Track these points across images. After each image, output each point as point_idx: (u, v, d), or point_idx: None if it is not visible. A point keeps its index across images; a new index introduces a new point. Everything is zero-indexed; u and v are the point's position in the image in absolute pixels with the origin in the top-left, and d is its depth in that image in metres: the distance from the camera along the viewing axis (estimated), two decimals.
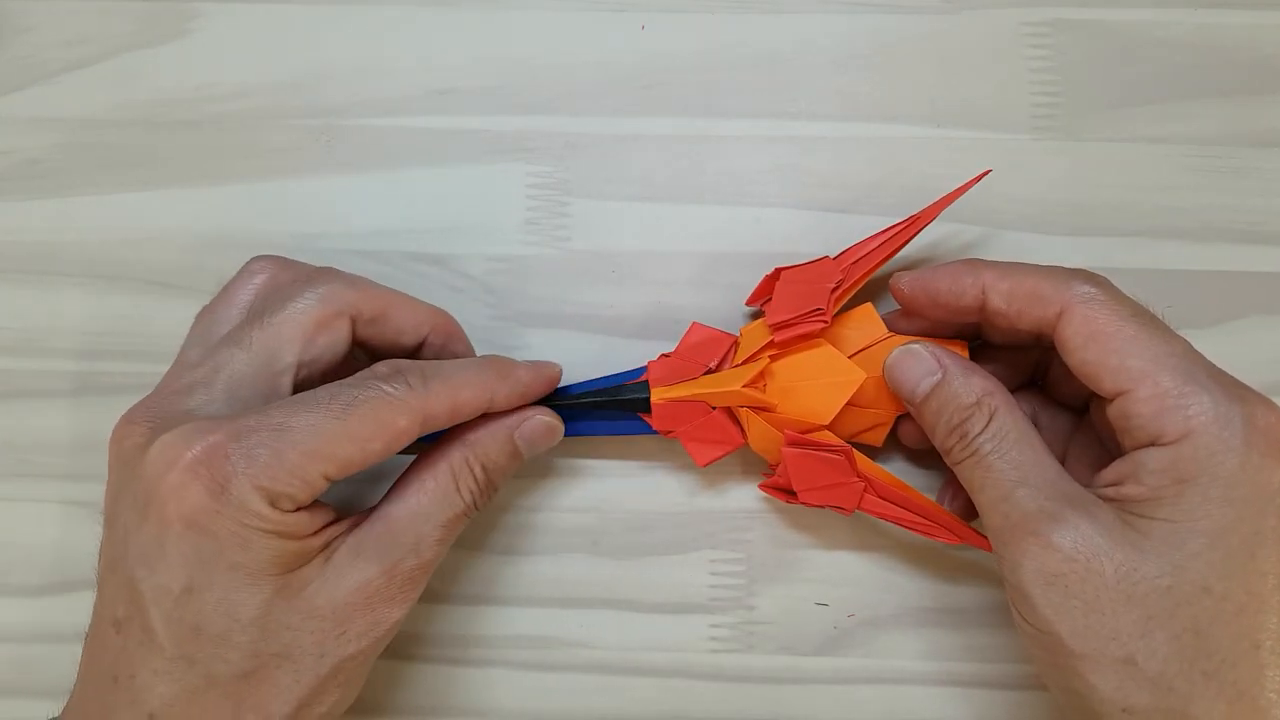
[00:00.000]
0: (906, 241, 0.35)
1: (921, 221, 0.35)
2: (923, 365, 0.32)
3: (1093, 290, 0.30)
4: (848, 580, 0.37)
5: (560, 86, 0.40)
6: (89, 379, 0.39)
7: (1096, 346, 0.30)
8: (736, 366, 0.35)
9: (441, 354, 0.36)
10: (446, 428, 0.32)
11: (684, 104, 0.40)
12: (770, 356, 0.34)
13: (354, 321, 0.33)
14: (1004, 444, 0.30)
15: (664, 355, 0.36)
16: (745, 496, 0.37)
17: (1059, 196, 0.39)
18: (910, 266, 0.38)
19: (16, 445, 0.38)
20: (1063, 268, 0.32)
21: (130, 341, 0.39)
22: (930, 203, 0.35)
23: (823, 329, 0.33)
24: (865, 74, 0.40)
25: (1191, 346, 0.30)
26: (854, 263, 0.35)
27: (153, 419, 0.30)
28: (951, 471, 0.32)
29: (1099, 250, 0.38)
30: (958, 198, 0.35)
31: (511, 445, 0.34)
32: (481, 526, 0.37)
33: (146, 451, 0.28)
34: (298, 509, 0.29)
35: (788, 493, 0.35)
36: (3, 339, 0.39)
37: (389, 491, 0.32)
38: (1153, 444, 0.29)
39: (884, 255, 0.35)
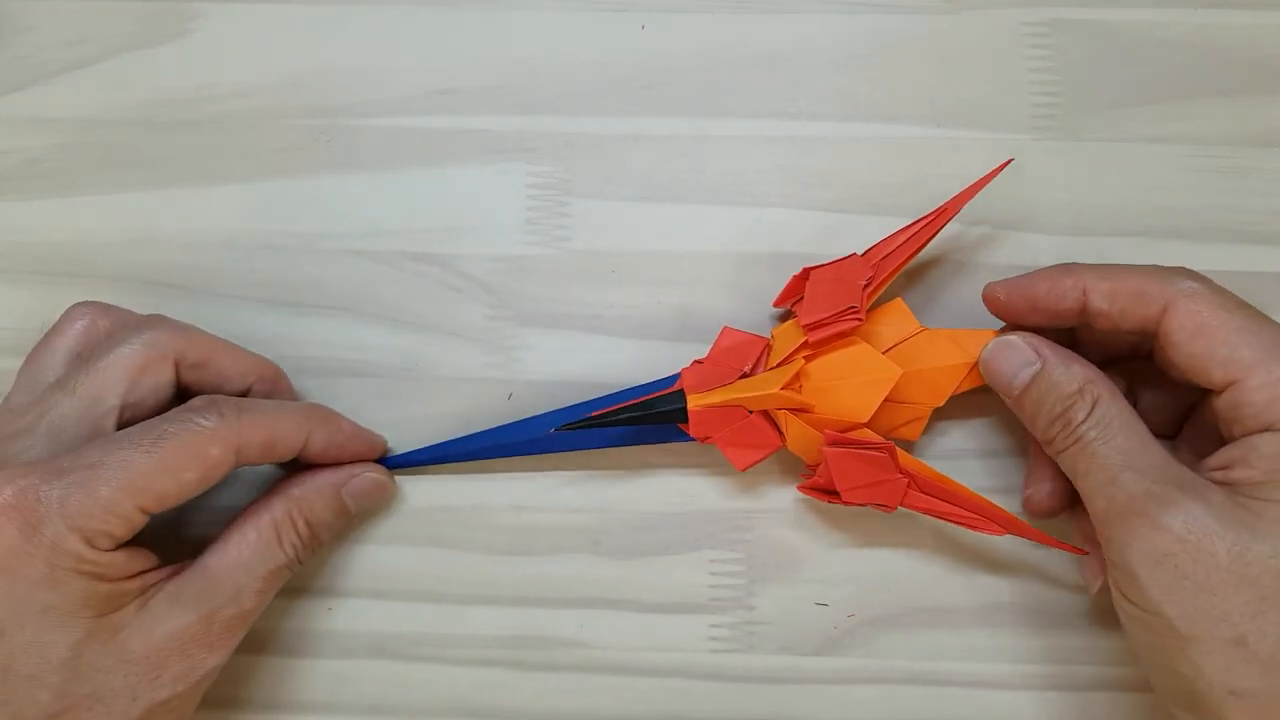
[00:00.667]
0: (933, 235, 0.35)
1: (948, 214, 0.35)
2: (1020, 355, 0.32)
3: (1195, 285, 0.30)
4: (848, 580, 0.37)
5: (560, 86, 0.40)
6: None
7: (1204, 339, 0.30)
8: (772, 369, 0.34)
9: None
10: (263, 463, 0.33)
11: (684, 104, 0.40)
12: (805, 357, 0.34)
13: (178, 366, 0.33)
14: (1109, 430, 0.30)
15: (696, 362, 0.36)
16: (745, 496, 0.37)
17: (1059, 196, 0.39)
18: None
19: None
20: (1163, 266, 0.32)
21: None
22: (952, 195, 0.35)
23: (857, 326, 0.33)
24: (865, 74, 0.40)
25: None
26: (883, 259, 0.35)
27: None
28: (1035, 460, 0.34)
29: (1099, 250, 0.38)
30: (982, 189, 0.35)
31: (338, 501, 0.35)
32: (481, 527, 0.37)
33: None
34: (116, 547, 0.29)
35: (829, 493, 0.34)
36: (3, 339, 0.39)
37: (212, 542, 0.32)
38: (1267, 429, 0.29)
39: (912, 250, 0.35)
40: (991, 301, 0.34)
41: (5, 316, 0.39)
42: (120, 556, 0.29)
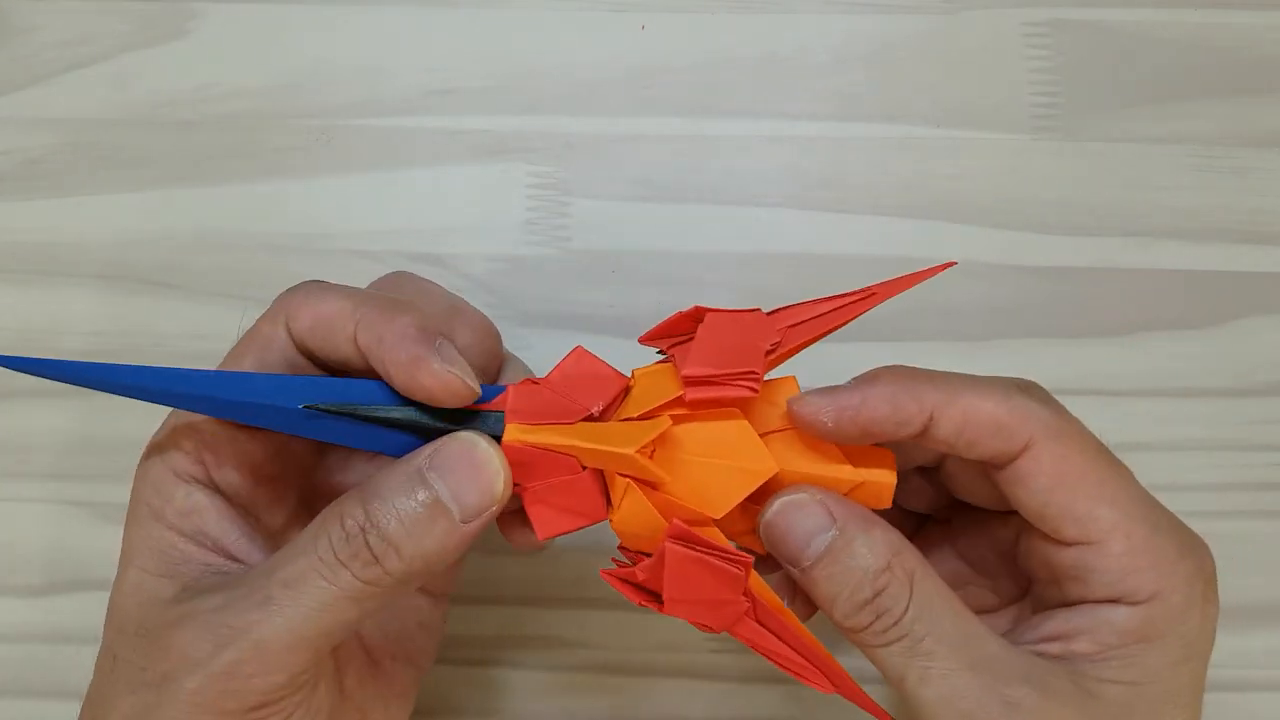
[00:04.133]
0: (857, 315, 0.28)
1: (879, 297, 0.28)
2: (812, 519, 0.26)
3: (1054, 420, 0.26)
4: None
5: (560, 86, 0.40)
6: None
7: (1065, 491, 0.26)
8: (628, 420, 0.27)
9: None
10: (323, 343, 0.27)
11: (684, 104, 0.40)
12: (673, 417, 0.27)
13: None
14: (938, 621, 0.25)
15: (530, 381, 0.28)
16: None
17: (1059, 196, 0.39)
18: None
19: (16, 445, 0.38)
20: (1001, 379, 0.27)
21: (130, 341, 0.39)
22: (889, 278, 0.29)
23: (748, 399, 0.27)
24: (865, 74, 0.40)
25: (1135, 478, 0.27)
26: (793, 326, 0.28)
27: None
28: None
29: (1099, 250, 0.38)
30: (919, 282, 0.28)
31: (417, 480, 0.25)
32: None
33: None
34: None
35: (643, 592, 0.27)
36: (3, 339, 0.39)
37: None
38: (1116, 601, 0.26)
39: (830, 325, 0.28)
40: (812, 426, 0.27)
41: (5, 316, 0.39)
42: None
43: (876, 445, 0.28)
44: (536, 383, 0.28)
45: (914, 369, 0.27)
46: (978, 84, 0.40)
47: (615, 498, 0.27)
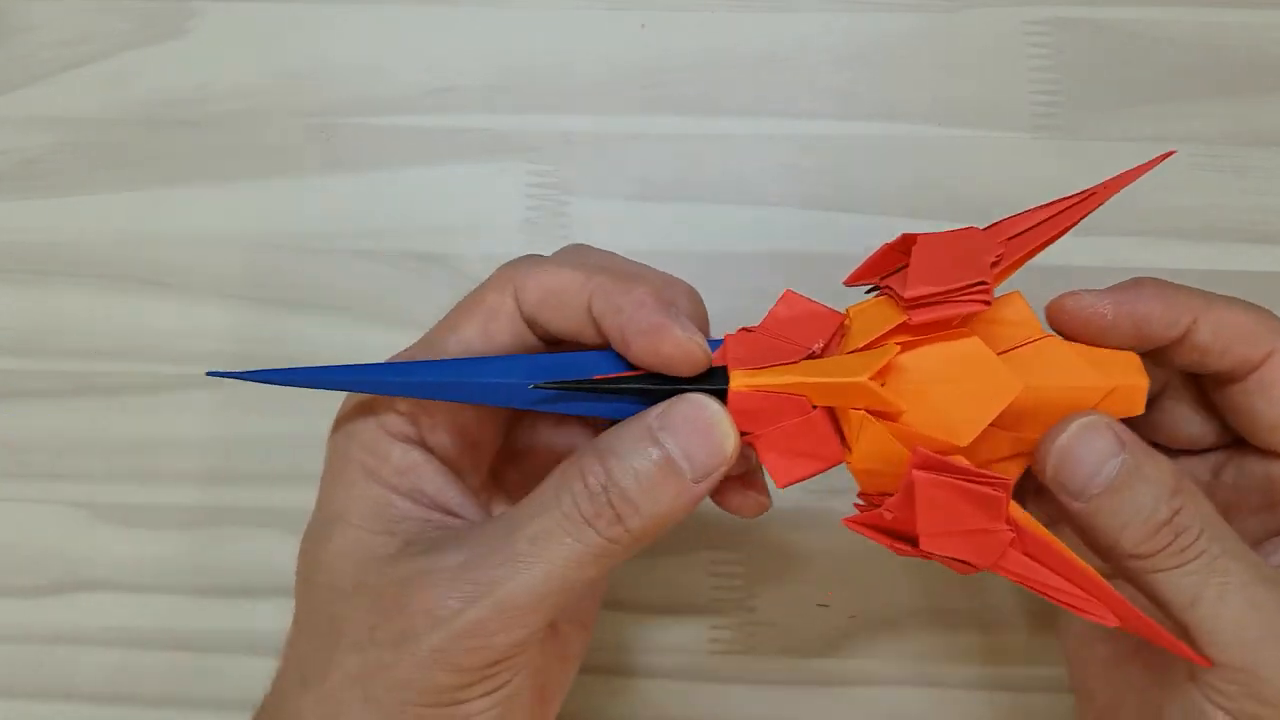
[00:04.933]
0: (1080, 219, 0.27)
1: (1100, 197, 0.27)
2: (1104, 443, 0.25)
3: None
4: (849, 582, 0.37)
5: (560, 86, 0.40)
6: (89, 379, 0.38)
7: None
8: (853, 352, 0.26)
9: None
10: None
11: (684, 103, 0.40)
12: (900, 344, 0.25)
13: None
14: (1226, 538, 0.25)
15: (745, 330, 0.27)
16: None
17: (1058, 195, 0.39)
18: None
19: (16, 445, 0.38)
20: (1260, 307, 0.28)
21: (130, 341, 0.39)
22: (1103, 182, 0.28)
23: (980, 312, 0.25)
24: (866, 72, 0.40)
25: None
26: (1013, 237, 0.27)
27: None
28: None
29: (1099, 250, 0.38)
30: (1142, 175, 0.28)
31: (649, 441, 0.25)
32: None
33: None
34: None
35: (896, 536, 0.25)
36: (3, 339, 0.39)
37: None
38: None
39: (1053, 233, 0.27)
40: (1090, 316, 0.27)
41: (5, 316, 0.39)
42: None
43: (1120, 350, 0.27)
44: (751, 330, 0.27)
45: (1182, 285, 0.28)
46: (978, 82, 0.39)
47: (851, 436, 0.25)
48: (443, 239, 0.39)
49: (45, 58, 0.40)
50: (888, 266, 0.27)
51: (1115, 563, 0.26)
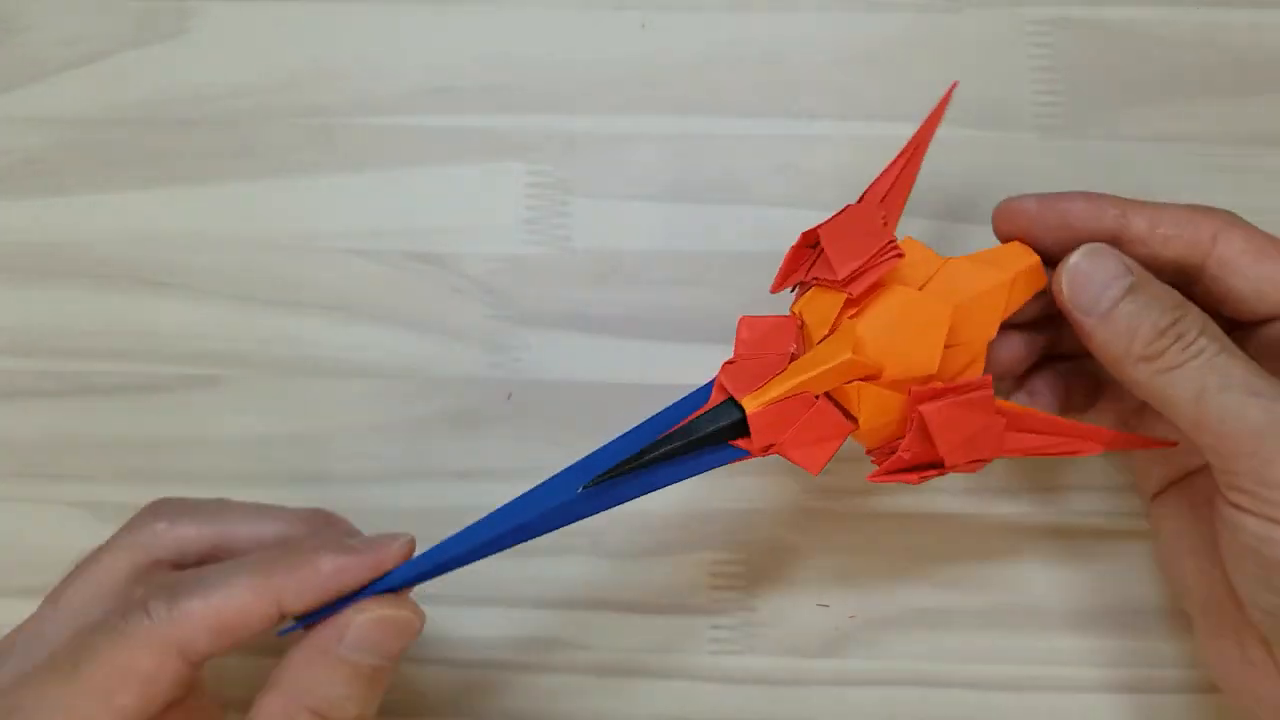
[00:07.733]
0: (920, 160, 0.32)
1: (923, 144, 0.32)
2: (1113, 265, 0.29)
3: (1227, 213, 0.30)
4: (849, 581, 0.37)
5: (560, 86, 0.40)
6: (89, 379, 0.39)
7: (1270, 261, 0.29)
8: (824, 340, 0.29)
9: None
10: (230, 651, 0.26)
11: (684, 103, 0.40)
12: (850, 317, 0.29)
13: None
14: (1222, 337, 0.28)
15: (727, 363, 0.30)
16: (745, 496, 0.37)
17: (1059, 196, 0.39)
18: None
19: (16, 445, 0.38)
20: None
21: (130, 341, 0.39)
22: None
23: (899, 262, 0.29)
24: (866, 72, 0.40)
25: None
26: (884, 198, 0.31)
27: None
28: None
29: None
30: (940, 114, 0.33)
31: (343, 666, 0.26)
32: None
33: None
34: None
35: (920, 469, 0.29)
36: (3, 339, 0.39)
37: None
38: None
39: (908, 184, 0.32)
40: (1015, 215, 0.31)
41: (5, 316, 0.39)
42: None
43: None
44: (732, 362, 0.30)
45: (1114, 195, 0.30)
46: (980, 82, 0.39)
47: (853, 406, 0.29)
48: (442, 239, 0.39)
49: (45, 57, 0.40)
50: (800, 262, 0.31)
51: (1124, 373, 0.29)
